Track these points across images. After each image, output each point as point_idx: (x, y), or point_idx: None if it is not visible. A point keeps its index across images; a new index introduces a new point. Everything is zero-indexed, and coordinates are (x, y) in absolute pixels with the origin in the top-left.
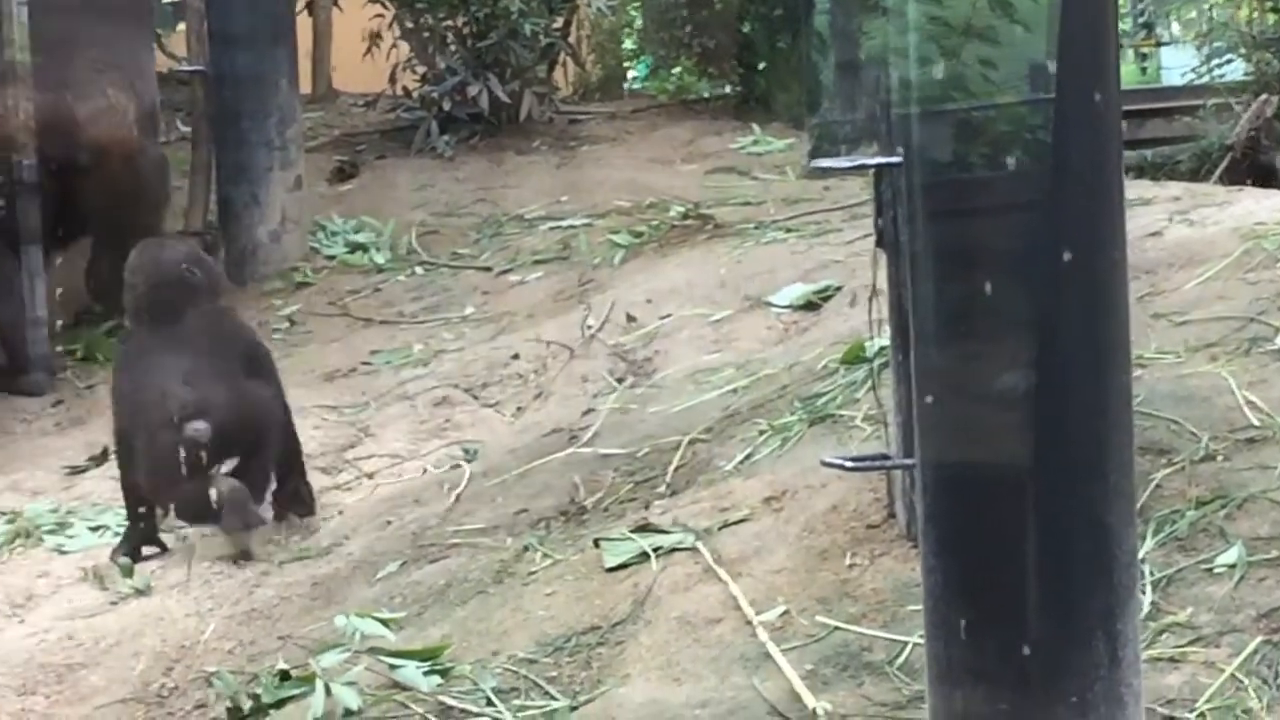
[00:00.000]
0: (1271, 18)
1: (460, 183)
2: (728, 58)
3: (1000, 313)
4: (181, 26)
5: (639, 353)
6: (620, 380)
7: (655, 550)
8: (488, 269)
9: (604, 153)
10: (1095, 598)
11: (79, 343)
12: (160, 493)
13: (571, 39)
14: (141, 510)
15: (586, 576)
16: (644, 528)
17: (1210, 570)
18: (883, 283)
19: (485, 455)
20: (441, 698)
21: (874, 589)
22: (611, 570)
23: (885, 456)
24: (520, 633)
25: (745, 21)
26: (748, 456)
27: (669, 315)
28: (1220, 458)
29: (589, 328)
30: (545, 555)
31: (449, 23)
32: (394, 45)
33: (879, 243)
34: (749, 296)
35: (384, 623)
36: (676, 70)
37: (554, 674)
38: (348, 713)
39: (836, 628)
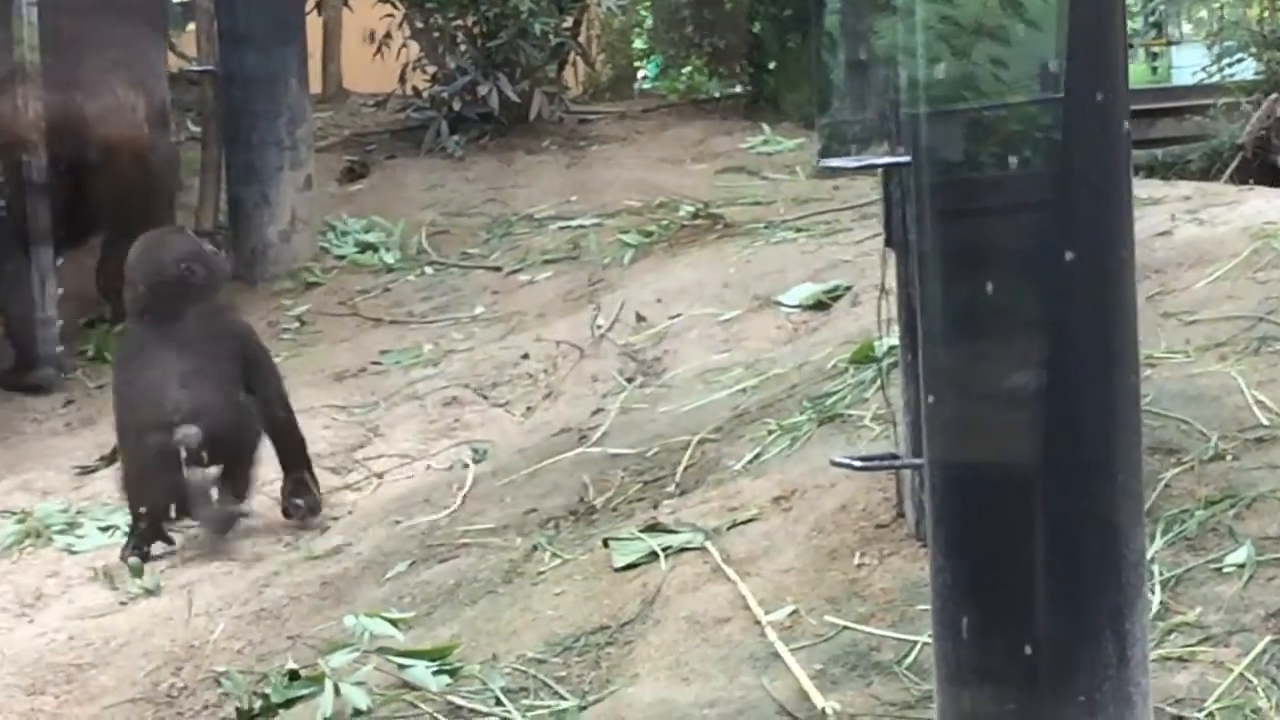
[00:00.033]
0: None
1: (470, 182)
2: (738, 57)
3: (1008, 312)
4: (191, 26)
5: (648, 352)
6: (630, 380)
7: (664, 550)
8: (497, 269)
9: (614, 152)
10: (1103, 597)
11: (89, 342)
12: (143, 492)
13: (581, 39)
14: (142, 509)
15: (595, 576)
16: (653, 527)
17: (1219, 570)
18: (891, 282)
19: (495, 455)
20: (450, 697)
21: (883, 589)
22: (620, 570)
23: (894, 456)
24: (529, 632)
25: (755, 21)
26: (757, 456)
27: (678, 315)
28: (1229, 457)
29: (599, 327)
30: (554, 555)
31: (459, 22)
32: (404, 45)
33: (888, 242)
34: (758, 296)
35: (393, 622)
36: (687, 70)
37: (563, 674)
38: (356, 712)
39: (845, 627)
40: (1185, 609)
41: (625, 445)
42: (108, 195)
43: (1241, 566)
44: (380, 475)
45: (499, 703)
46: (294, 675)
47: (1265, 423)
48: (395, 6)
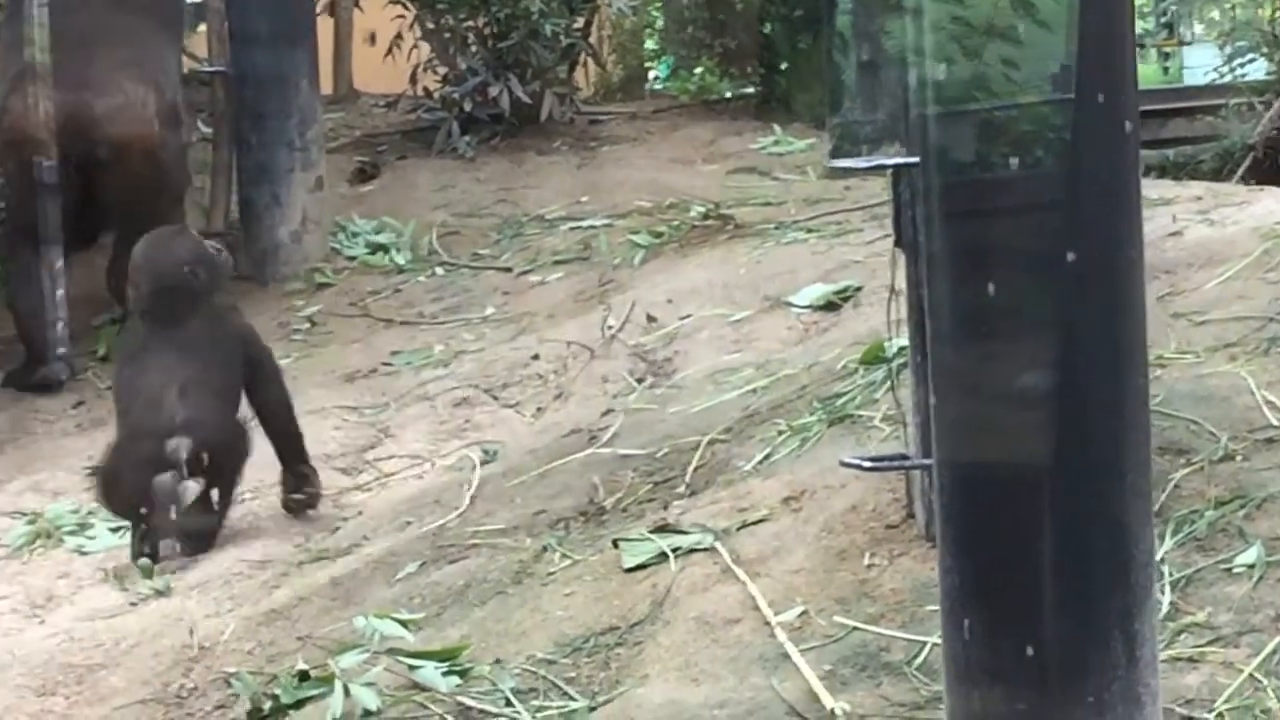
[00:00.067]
0: None
1: (481, 183)
2: (749, 58)
3: (1016, 313)
4: (202, 27)
5: (659, 353)
6: (640, 380)
7: (674, 551)
8: (508, 269)
9: (625, 153)
10: (1112, 597)
11: (99, 343)
12: (111, 491)
13: (592, 39)
14: (108, 506)
15: (605, 577)
16: (663, 528)
17: (1229, 570)
18: (901, 283)
19: (505, 456)
20: (460, 698)
21: (893, 589)
22: (630, 571)
23: (904, 457)
24: (539, 633)
25: (766, 22)
26: (767, 457)
27: (689, 315)
28: (1239, 458)
29: (609, 328)
30: (564, 556)
31: (470, 23)
32: (415, 46)
33: (897, 243)
34: (769, 297)
35: (403, 623)
36: (698, 70)
37: (572, 674)
38: (366, 713)
39: (855, 628)
40: (1195, 609)
41: (635, 446)
42: (118, 193)
43: (1251, 567)
44: (391, 476)
45: (509, 703)
46: (304, 676)
47: (1275, 423)
48: (406, 8)
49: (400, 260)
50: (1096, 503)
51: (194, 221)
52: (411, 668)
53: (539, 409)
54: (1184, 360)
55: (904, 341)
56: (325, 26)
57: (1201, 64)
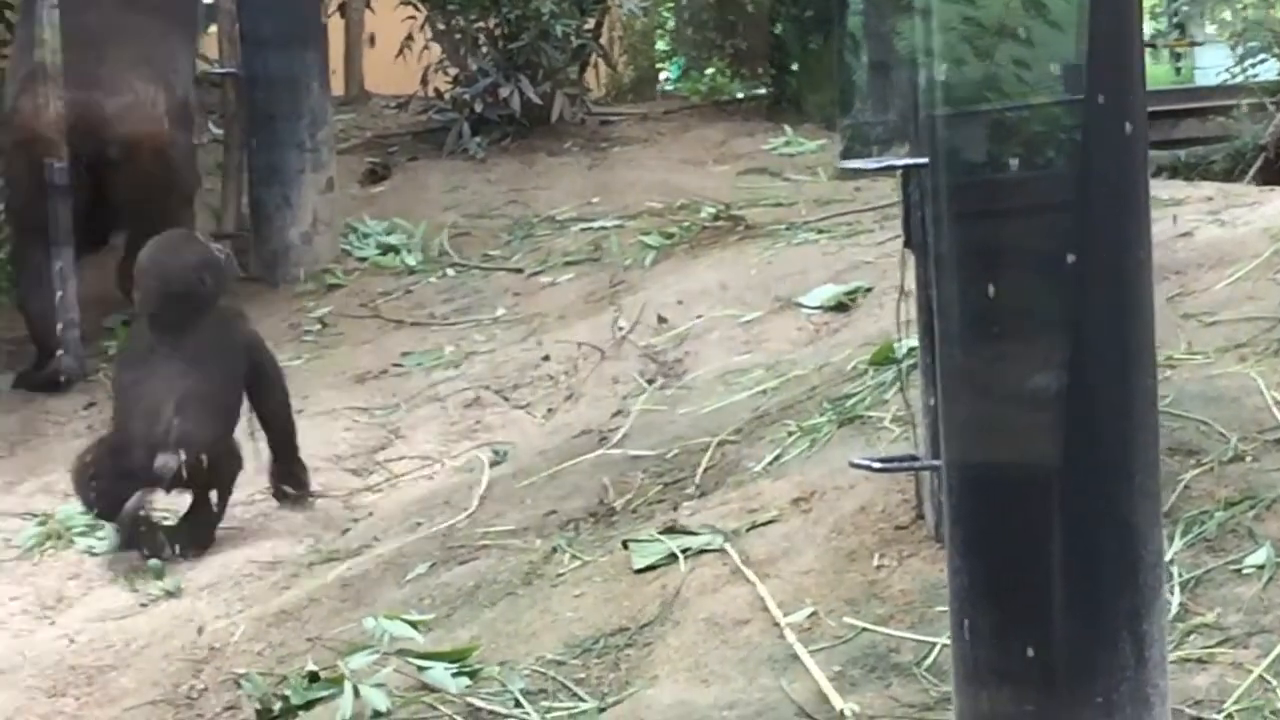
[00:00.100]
0: None
1: (492, 184)
2: (760, 59)
3: (1025, 314)
4: (213, 29)
5: (669, 354)
6: (650, 381)
7: (684, 552)
8: (519, 270)
9: (636, 154)
10: (1121, 598)
11: (111, 343)
12: (85, 485)
13: (603, 40)
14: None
15: (615, 578)
16: (672, 529)
17: (1239, 571)
18: (911, 284)
19: (515, 456)
20: (470, 699)
21: (902, 590)
22: (640, 572)
23: (913, 457)
24: (549, 634)
25: (777, 23)
26: (777, 458)
27: (700, 316)
28: (1249, 458)
29: (620, 329)
30: (574, 557)
31: (480, 24)
32: (425, 47)
33: (907, 243)
34: (780, 297)
35: (413, 624)
36: (709, 71)
37: (582, 675)
38: (376, 714)
39: (864, 629)
40: (1204, 610)
41: (645, 447)
42: (128, 192)
43: (1261, 568)
44: (401, 477)
45: (518, 704)
46: (314, 677)
47: None
48: (417, 9)
49: (411, 261)
50: (1105, 504)
51: (204, 223)
52: (421, 669)
53: (549, 410)
54: (1194, 361)
55: (914, 342)
56: (336, 28)
57: (1213, 64)
